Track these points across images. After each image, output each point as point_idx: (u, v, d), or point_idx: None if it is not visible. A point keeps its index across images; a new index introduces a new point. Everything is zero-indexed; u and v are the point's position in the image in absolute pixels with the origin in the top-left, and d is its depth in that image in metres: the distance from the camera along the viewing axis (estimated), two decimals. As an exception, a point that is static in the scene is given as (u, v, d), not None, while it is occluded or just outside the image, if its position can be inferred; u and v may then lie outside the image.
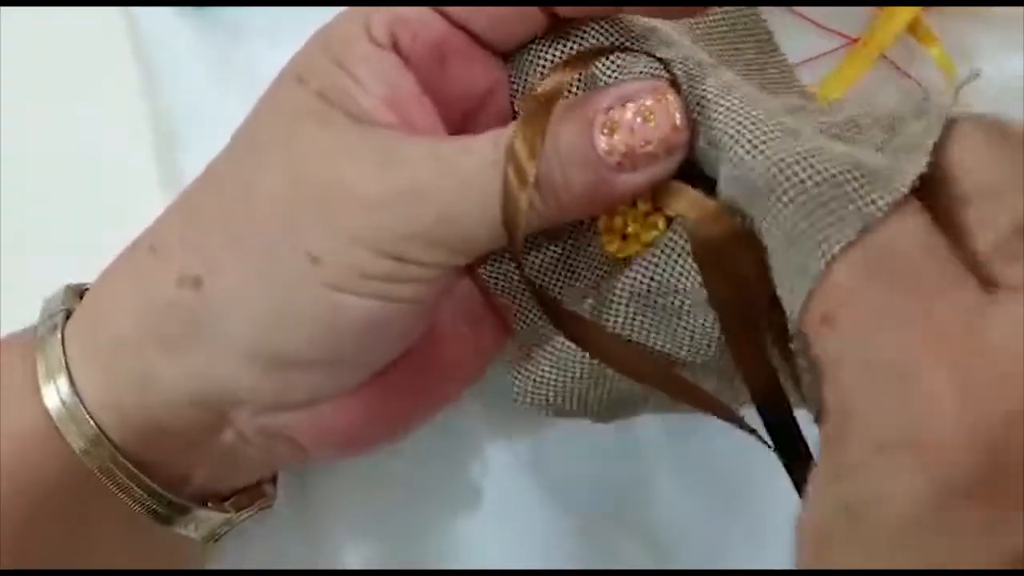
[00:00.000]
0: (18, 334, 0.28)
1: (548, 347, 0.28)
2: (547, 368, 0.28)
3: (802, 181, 0.21)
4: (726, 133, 0.23)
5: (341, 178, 0.24)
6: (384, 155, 0.24)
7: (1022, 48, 0.33)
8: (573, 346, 0.27)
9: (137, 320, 0.25)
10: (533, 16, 0.26)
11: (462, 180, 0.24)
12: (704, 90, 0.24)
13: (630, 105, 0.24)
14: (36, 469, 0.26)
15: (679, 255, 0.25)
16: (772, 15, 0.32)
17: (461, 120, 0.27)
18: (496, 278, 0.29)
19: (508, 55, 0.27)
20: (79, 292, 0.28)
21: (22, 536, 0.26)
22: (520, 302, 0.29)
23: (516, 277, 0.29)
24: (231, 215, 0.25)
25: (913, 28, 0.33)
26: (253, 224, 0.25)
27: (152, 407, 0.26)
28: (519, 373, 0.29)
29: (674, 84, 0.25)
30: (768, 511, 0.31)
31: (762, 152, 0.22)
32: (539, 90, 0.25)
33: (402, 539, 0.32)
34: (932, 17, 0.33)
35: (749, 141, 0.23)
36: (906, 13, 0.32)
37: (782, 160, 0.22)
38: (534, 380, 0.28)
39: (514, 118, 0.27)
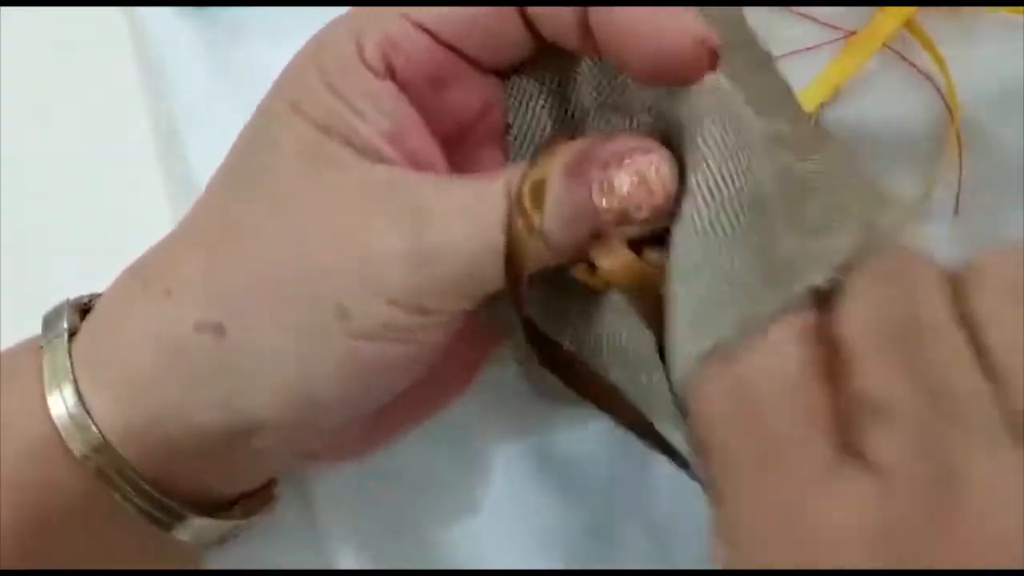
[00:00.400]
0: (19, 346, 0.28)
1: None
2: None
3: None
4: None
5: (365, 236, 0.24)
6: (406, 208, 0.25)
7: (1021, 49, 0.33)
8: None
9: (157, 362, 0.25)
10: (524, 39, 0.26)
11: (486, 239, 0.25)
12: (683, 154, 0.25)
13: (627, 165, 0.24)
14: (43, 478, 0.26)
15: (622, 314, 0.27)
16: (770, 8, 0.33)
17: (457, 133, 0.27)
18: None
19: (502, 73, 0.27)
20: (79, 308, 0.28)
21: (32, 540, 0.26)
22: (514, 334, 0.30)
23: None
24: (256, 267, 0.25)
25: (911, 29, 0.33)
26: (281, 277, 0.25)
27: (167, 434, 0.26)
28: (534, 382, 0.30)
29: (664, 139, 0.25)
30: None
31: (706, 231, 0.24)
32: (544, 154, 0.26)
33: (404, 524, 0.32)
34: (930, 17, 0.33)
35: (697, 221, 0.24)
36: (904, 10, 0.32)
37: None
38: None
39: (500, 139, 0.28)
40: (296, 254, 0.25)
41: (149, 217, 0.34)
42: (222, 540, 0.29)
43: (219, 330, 0.25)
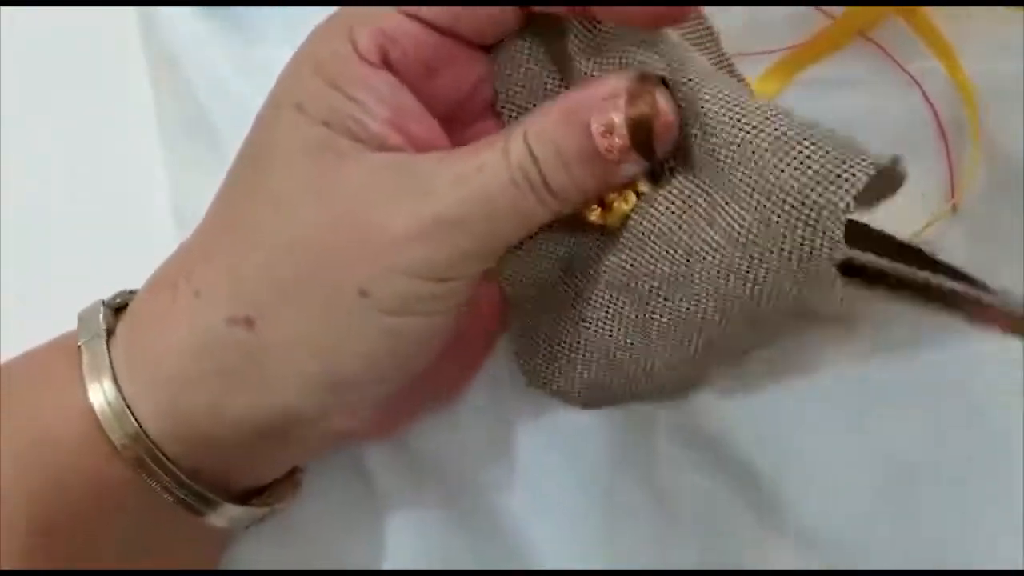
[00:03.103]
0: (48, 345, 0.29)
1: (540, 337, 0.30)
2: (540, 360, 0.30)
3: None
4: (721, 117, 0.24)
5: (376, 217, 0.25)
6: (411, 187, 0.25)
7: (1010, 48, 0.32)
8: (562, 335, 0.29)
9: (195, 359, 0.26)
10: (514, 14, 0.27)
11: (489, 202, 0.25)
12: (687, 80, 0.25)
13: (623, 105, 0.25)
14: (82, 466, 0.27)
15: (649, 239, 0.27)
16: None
17: (453, 110, 0.28)
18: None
19: (490, 47, 0.28)
20: (113, 308, 0.29)
21: (68, 527, 0.27)
22: (518, 289, 0.30)
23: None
24: (276, 263, 0.26)
25: (910, 18, 0.32)
26: (300, 271, 0.26)
27: (205, 429, 0.27)
28: (521, 362, 0.31)
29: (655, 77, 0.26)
30: (752, 464, 0.32)
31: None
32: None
33: (443, 486, 0.34)
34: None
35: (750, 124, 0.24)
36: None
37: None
38: (533, 368, 0.31)
39: (494, 111, 0.29)
40: (313, 247, 0.26)
41: (156, 217, 0.36)
42: (252, 523, 0.30)
43: (250, 323, 0.26)
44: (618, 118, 0.25)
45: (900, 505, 0.31)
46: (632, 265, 0.27)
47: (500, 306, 0.32)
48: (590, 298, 0.29)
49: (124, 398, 0.26)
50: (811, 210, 0.23)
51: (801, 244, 0.23)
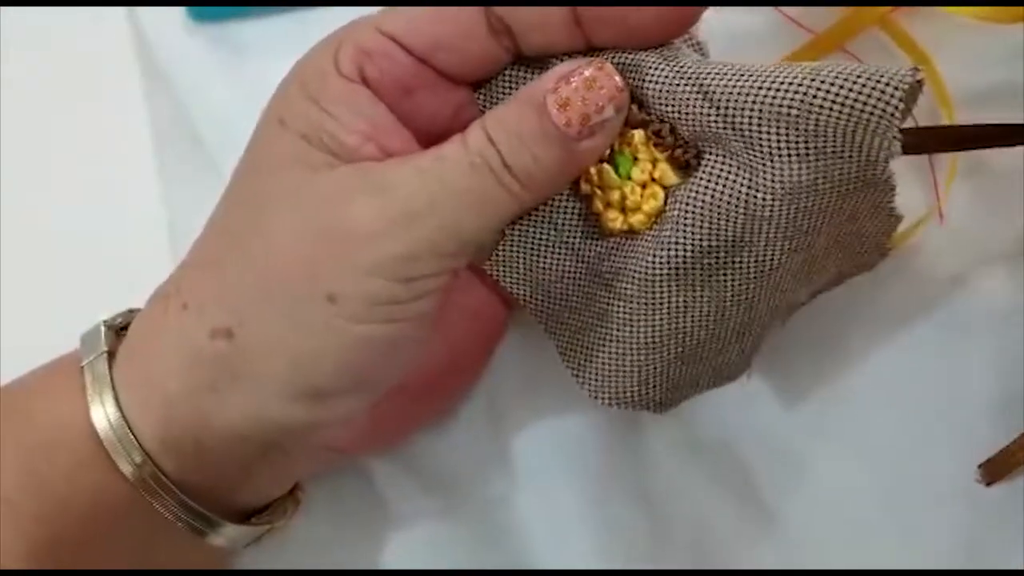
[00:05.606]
0: (51, 366, 0.29)
1: (597, 351, 0.30)
2: (607, 375, 0.30)
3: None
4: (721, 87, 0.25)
5: (343, 218, 0.26)
6: (374, 186, 0.26)
7: (985, 58, 0.32)
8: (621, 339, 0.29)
9: (185, 375, 0.27)
10: (497, 55, 0.27)
11: (449, 189, 0.26)
12: (683, 65, 0.26)
13: (574, 79, 0.26)
14: (87, 489, 0.27)
15: (700, 217, 0.27)
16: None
17: (436, 132, 0.28)
18: (510, 278, 0.30)
19: (474, 84, 0.28)
20: (115, 328, 0.29)
21: (74, 547, 0.27)
22: (535, 298, 0.30)
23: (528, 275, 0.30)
24: (254, 271, 0.26)
25: (886, 26, 0.32)
26: (275, 278, 0.26)
27: (202, 445, 0.27)
28: (575, 373, 0.30)
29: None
30: (750, 475, 0.33)
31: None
32: None
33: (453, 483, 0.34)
34: (900, 19, 0.32)
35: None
36: (871, 12, 0.32)
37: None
38: (598, 385, 0.30)
39: None
40: (284, 255, 0.26)
41: (147, 233, 0.36)
42: (252, 541, 0.30)
43: (229, 335, 0.26)
44: (569, 91, 0.25)
45: (904, 522, 0.32)
46: (689, 248, 0.27)
47: (501, 320, 0.32)
48: (649, 296, 0.28)
49: (127, 421, 0.27)
50: (866, 120, 0.24)
51: (862, 154, 0.25)
